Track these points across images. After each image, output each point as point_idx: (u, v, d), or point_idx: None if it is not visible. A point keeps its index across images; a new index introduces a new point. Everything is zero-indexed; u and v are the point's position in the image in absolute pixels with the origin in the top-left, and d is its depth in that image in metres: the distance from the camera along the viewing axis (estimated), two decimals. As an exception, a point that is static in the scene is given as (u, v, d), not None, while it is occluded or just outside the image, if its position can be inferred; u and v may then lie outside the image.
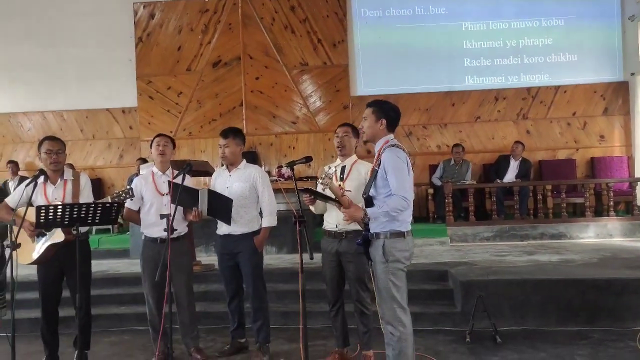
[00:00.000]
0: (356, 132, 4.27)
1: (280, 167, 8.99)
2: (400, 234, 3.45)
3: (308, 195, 3.98)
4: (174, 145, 4.68)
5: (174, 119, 10.24)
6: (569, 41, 9.88)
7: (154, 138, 4.61)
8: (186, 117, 10.26)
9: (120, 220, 9.35)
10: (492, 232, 8.24)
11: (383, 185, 3.45)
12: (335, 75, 10.19)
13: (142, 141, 10.25)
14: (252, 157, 9.41)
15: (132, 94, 10.29)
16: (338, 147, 4.24)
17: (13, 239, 3.89)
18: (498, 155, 9.65)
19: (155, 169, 4.53)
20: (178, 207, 4.02)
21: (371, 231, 3.49)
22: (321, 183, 3.54)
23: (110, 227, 9.14)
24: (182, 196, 4.07)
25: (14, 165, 9.71)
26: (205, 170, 6.06)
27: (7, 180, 9.43)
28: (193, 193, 4.25)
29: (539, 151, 9.86)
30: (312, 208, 4.22)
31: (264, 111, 10.22)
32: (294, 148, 10.23)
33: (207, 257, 7.20)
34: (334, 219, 4.16)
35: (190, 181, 4.46)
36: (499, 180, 9.08)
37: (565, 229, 8.20)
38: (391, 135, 3.56)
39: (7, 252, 3.92)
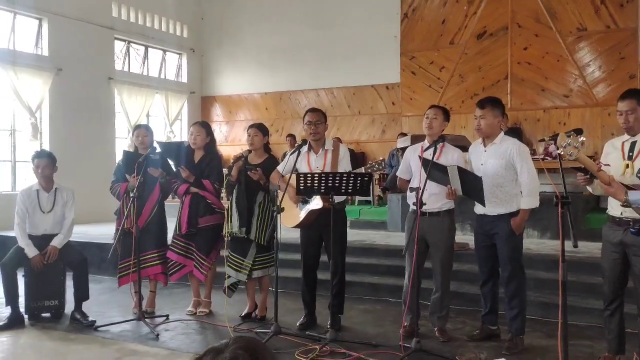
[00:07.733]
0: None
1: (549, 144, 8.17)
2: None
3: (583, 174, 3.45)
4: (448, 118, 4.45)
5: (436, 94, 10.11)
6: None
7: (427, 111, 4.44)
8: (448, 92, 10.06)
9: (379, 193, 9.78)
10: None
11: None
12: (620, 41, 8.86)
13: (403, 117, 10.40)
14: (516, 134, 8.76)
15: (396, 70, 10.47)
16: (624, 126, 3.56)
17: (278, 204, 4.28)
18: None
19: (425, 142, 4.45)
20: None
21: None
22: (561, 152, 2.97)
23: (370, 198, 9.52)
24: (433, 172, 3.99)
25: (291, 138, 10.80)
26: (462, 145, 5.81)
27: (286, 152, 10.50)
28: (442, 169, 4.07)
29: None
30: (589, 189, 3.65)
31: (531, 84, 9.43)
32: (564, 124, 9.24)
33: (462, 236, 6.95)
34: (618, 203, 3.53)
35: (457, 155, 4.30)
36: None
37: None
38: None
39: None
